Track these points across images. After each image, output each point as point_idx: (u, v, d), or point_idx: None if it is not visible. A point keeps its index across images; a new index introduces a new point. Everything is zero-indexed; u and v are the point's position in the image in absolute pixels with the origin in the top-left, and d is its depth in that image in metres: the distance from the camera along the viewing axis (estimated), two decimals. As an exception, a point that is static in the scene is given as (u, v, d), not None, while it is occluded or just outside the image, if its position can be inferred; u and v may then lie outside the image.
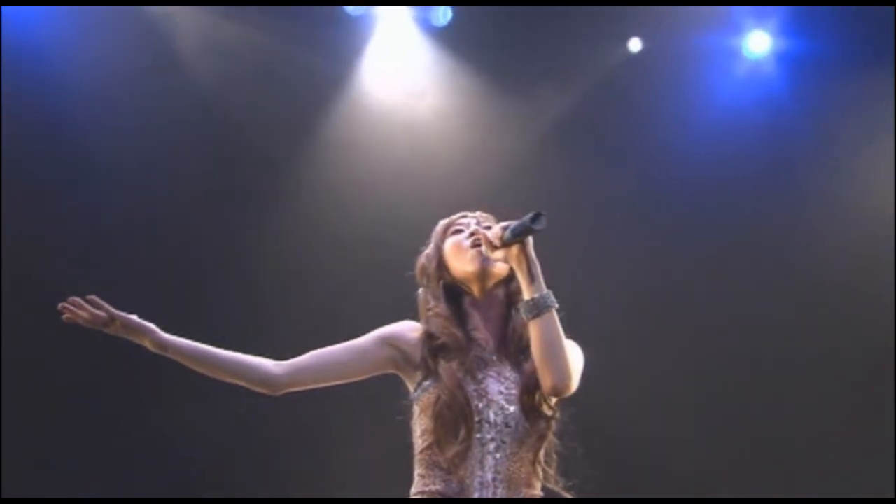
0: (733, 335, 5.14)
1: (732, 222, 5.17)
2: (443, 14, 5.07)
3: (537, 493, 2.22)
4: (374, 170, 5.02)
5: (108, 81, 4.83)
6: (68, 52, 4.76)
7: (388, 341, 2.29)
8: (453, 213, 2.44)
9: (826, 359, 5.09)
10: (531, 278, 2.13)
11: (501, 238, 2.13)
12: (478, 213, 2.36)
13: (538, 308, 2.12)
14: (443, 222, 2.37)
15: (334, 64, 5.01)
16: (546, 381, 2.13)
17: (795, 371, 5.13)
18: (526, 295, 2.13)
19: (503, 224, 2.16)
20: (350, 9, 5.03)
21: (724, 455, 5.12)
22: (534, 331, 2.14)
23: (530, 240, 2.13)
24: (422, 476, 2.21)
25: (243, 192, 5.03)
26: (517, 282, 2.20)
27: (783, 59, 5.08)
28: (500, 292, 2.29)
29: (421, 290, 2.35)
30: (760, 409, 5.18)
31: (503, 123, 5.05)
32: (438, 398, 2.18)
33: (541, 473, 2.22)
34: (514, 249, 2.13)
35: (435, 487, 2.18)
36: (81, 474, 4.72)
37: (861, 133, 5.03)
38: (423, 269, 2.35)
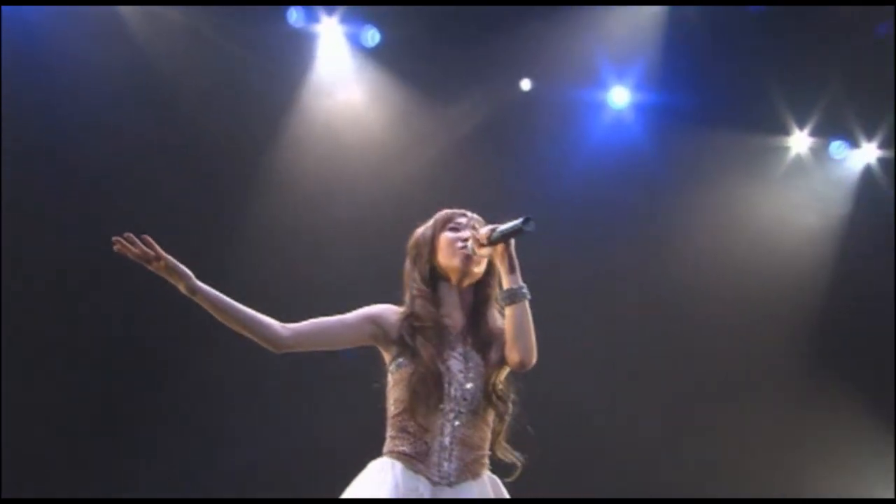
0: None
1: (600, 231, 6.16)
2: (371, 37, 5.89)
3: (485, 453, 2.56)
4: (318, 158, 5.66)
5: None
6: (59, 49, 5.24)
7: (372, 319, 2.60)
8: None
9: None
10: (511, 272, 2.48)
11: (489, 237, 2.49)
12: (473, 215, 2.66)
13: (515, 297, 2.48)
14: (445, 213, 2.66)
15: (284, 68, 5.73)
16: (514, 357, 2.48)
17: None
18: (505, 285, 2.49)
19: (491, 226, 2.51)
20: (293, 20, 5.73)
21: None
22: (509, 315, 2.49)
23: (513, 240, 2.48)
24: (392, 437, 2.53)
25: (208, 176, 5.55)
26: (487, 284, 2.62)
27: (640, 109, 6.30)
28: (473, 288, 2.63)
29: (408, 261, 2.66)
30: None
31: (421, 130, 5.84)
32: (413, 374, 2.50)
33: (495, 444, 2.58)
34: (499, 248, 2.49)
35: (402, 449, 2.50)
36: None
37: (701, 169, 6.27)
38: (418, 245, 2.65)
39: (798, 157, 6.57)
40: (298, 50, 5.71)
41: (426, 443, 2.49)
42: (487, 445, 2.57)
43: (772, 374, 6.08)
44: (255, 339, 2.53)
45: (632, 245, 6.17)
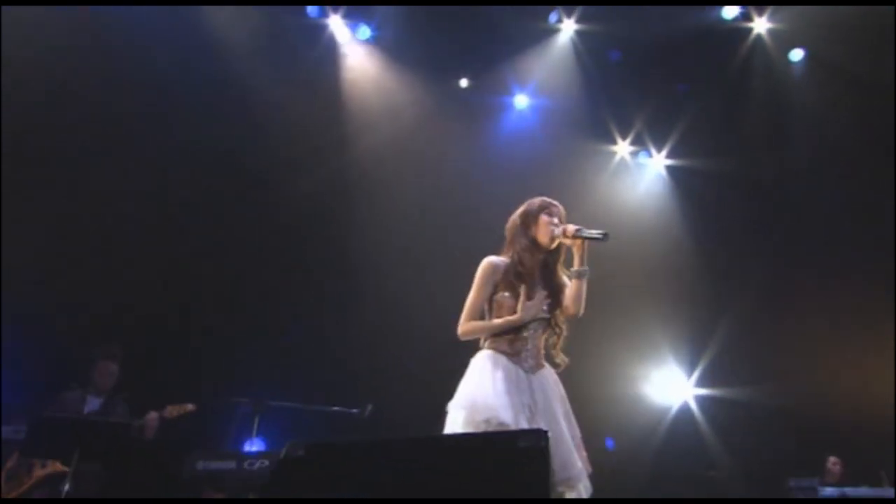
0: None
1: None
2: (362, 32, 7.64)
3: (543, 354, 3.61)
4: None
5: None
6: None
7: (493, 279, 3.58)
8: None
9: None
10: (581, 258, 3.52)
11: (574, 233, 3.51)
12: (561, 208, 3.67)
13: (582, 275, 3.55)
14: (545, 200, 3.66)
15: (309, 47, 7.46)
16: (570, 309, 3.59)
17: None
18: (576, 266, 3.54)
19: (576, 227, 3.52)
20: (310, 9, 7.38)
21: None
22: (575, 284, 3.56)
23: (587, 241, 3.50)
24: (493, 339, 3.56)
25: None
26: (557, 252, 3.60)
27: (535, 110, 8.63)
28: (546, 253, 3.64)
29: (520, 226, 3.63)
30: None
31: (405, 99, 7.77)
32: (515, 305, 3.54)
33: (552, 349, 3.63)
34: (578, 241, 3.52)
35: (502, 348, 3.54)
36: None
37: (574, 158, 8.65)
38: (525, 217, 3.65)
39: (622, 159, 9.29)
40: (314, 34, 7.36)
41: (518, 347, 3.55)
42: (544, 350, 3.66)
43: (631, 287, 8.52)
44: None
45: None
